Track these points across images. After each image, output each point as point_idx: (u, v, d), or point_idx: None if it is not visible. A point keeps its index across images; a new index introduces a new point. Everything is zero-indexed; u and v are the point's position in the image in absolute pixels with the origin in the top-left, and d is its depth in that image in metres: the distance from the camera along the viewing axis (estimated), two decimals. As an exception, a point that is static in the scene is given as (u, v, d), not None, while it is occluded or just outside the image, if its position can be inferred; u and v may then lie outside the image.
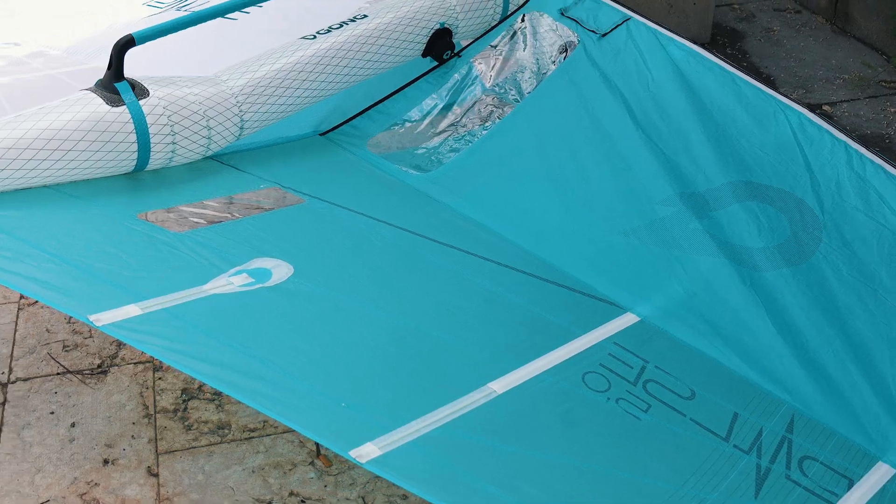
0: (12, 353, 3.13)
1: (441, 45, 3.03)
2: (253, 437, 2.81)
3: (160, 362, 3.06)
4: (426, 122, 3.02)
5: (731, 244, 2.45)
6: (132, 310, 1.86)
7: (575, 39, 3.06)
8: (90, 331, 3.18)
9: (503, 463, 1.79)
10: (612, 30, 3.02)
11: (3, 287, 3.35)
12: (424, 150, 2.92)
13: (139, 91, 2.31)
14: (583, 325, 2.23)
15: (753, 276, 2.37)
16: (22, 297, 3.35)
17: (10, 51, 3.34)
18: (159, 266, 2.07)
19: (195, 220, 2.30)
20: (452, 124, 3.02)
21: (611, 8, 3.11)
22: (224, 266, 2.09)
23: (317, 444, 2.78)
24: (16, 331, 3.22)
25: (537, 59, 3.14)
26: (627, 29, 3.00)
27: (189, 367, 1.72)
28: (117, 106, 2.26)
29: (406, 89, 3.05)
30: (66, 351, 3.13)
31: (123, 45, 2.30)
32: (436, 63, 3.08)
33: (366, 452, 1.66)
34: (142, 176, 2.38)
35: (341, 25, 2.84)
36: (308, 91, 2.71)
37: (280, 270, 2.13)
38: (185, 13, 3.26)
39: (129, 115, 2.27)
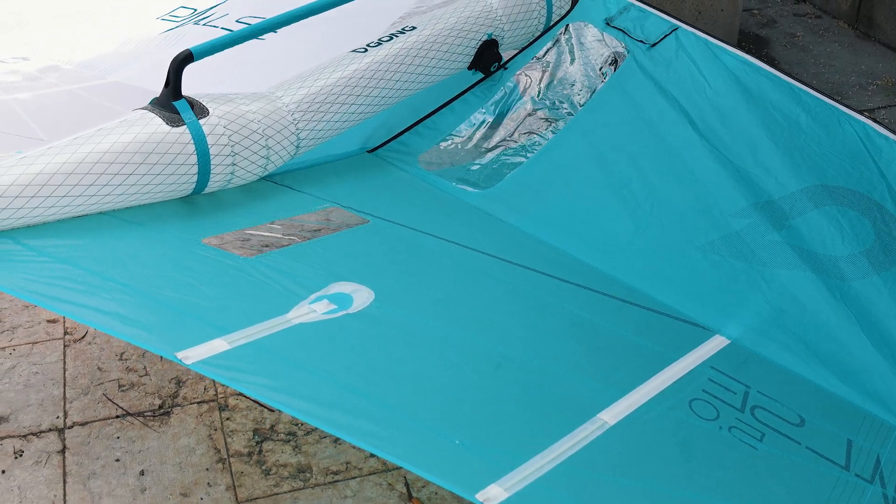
0: (65, 394, 2.95)
1: (489, 57, 2.92)
2: (337, 481, 2.65)
3: (225, 401, 2.90)
4: (476, 137, 2.90)
5: (814, 254, 2.35)
6: (219, 344, 1.72)
7: (622, 50, 2.97)
8: (145, 368, 3.02)
9: (629, 500, 1.67)
10: (661, 40, 2.93)
11: (45, 321, 3.18)
12: (478, 166, 2.79)
13: (198, 110, 2.17)
14: (675, 350, 2.12)
15: (842, 288, 2.28)
16: (67, 332, 3.17)
17: (21, 66, 3.19)
18: (236, 294, 1.94)
19: (263, 243, 2.16)
20: (504, 139, 2.90)
21: (657, 17, 3.02)
22: (303, 292, 1.96)
23: (407, 486, 2.64)
24: (65, 370, 3.04)
25: (586, 71, 3.04)
26: (677, 38, 2.91)
27: (297, 410, 1.58)
28: (177, 126, 2.12)
29: (453, 103, 2.93)
30: (122, 391, 2.96)
31: (182, 62, 2.16)
32: (482, 76, 2.97)
33: (493, 495, 1.53)
34: (198, 199, 2.25)
35: (391, 37, 2.72)
36: (362, 106, 2.59)
37: (361, 295, 2.00)
38: (217, 27, 3.15)
39: (190, 136, 2.13)
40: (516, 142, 2.91)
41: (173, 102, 2.15)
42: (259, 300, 1.90)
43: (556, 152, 2.76)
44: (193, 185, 2.18)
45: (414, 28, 2.77)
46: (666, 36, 2.93)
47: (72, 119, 2.81)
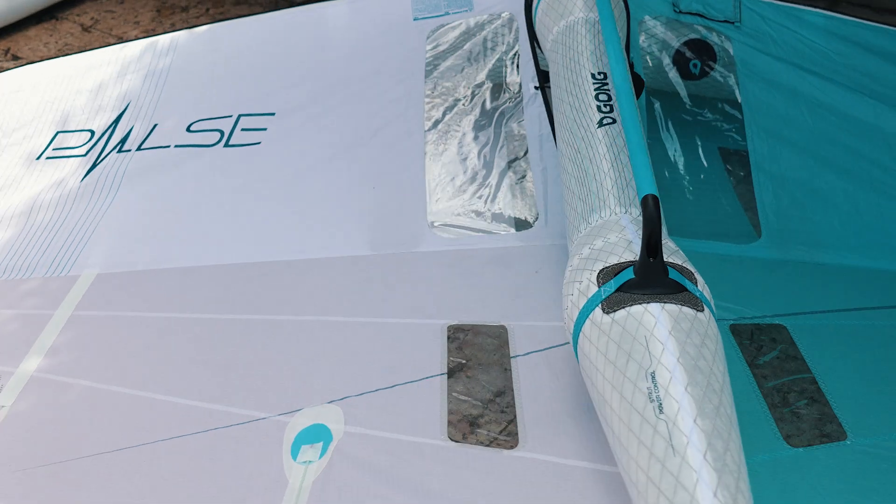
0: None
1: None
2: None
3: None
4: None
5: None
6: None
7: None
8: None
9: None
10: (739, 13, 2.59)
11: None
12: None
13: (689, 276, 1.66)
14: None
15: None
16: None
17: None
18: None
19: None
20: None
21: None
22: None
23: None
24: None
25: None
26: (745, 7, 2.57)
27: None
28: (701, 310, 1.59)
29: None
30: None
31: (656, 210, 1.61)
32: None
33: None
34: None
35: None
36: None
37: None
38: (169, 146, 2.81)
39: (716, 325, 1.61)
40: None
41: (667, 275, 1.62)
42: None
43: (770, 166, 2.43)
44: None
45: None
46: (738, 9, 2.59)
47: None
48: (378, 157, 2.63)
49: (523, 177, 2.59)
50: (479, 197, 2.59)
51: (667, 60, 2.74)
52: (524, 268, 2.30)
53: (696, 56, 2.73)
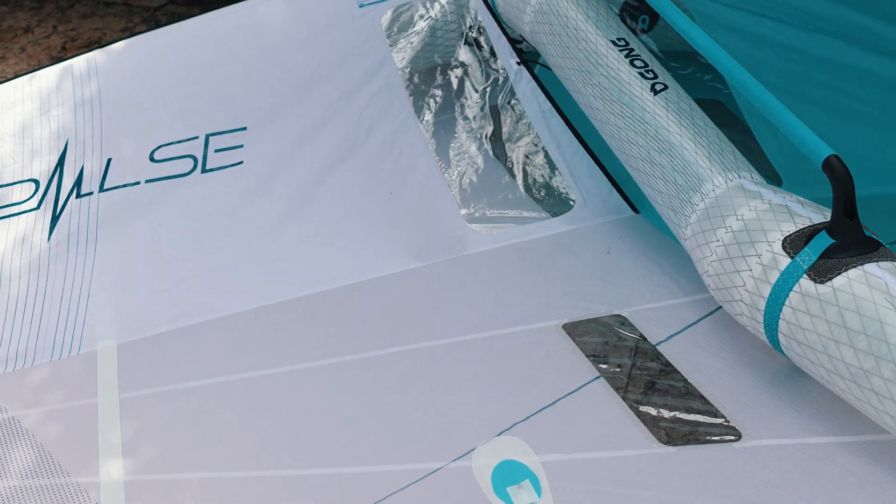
0: None
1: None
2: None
3: None
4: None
5: None
6: None
7: None
8: None
9: None
10: None
11: None
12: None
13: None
14: None
15: None
16: None
17: None
18: None
19: None
20: None
21: None
22: None
23: None
24: None
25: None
26: None
27: None
28: None
29: None
30: None
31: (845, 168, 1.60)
32: None
33: None
34: None
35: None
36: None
37: None
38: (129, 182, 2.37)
39: None
40: None
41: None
42: None
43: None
44: None
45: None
46: None
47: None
48: (381, 159, 2.41)
49: (539, 157, 2.47)
50: (503, 184, 2.45)
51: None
52: (592, 250, 2.19)
53: (644, 10, 2.69)
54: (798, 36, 2.42)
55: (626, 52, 2.24)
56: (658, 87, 2.12)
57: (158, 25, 3.80)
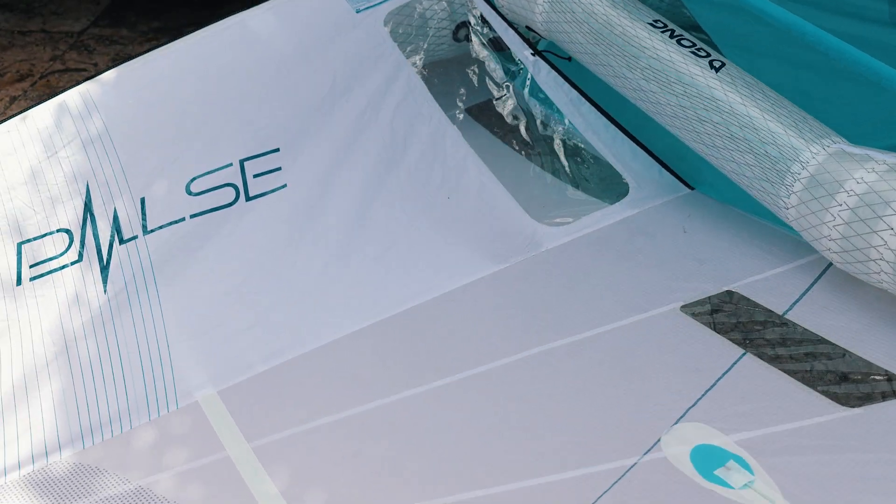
0: None
1: None
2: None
3: None
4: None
5: None
6: None
7: None
8: None
9: None
10: None
11: None
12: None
13: None
14: None
15: None
16: None
17: None
18: None
19: None
20: None
21: None
22: None
23: None
24: None
25: None
26: None
27: None
28: None
29: None
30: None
31: None
32: None
33: None
34: None
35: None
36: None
37: None
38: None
39: None
40: None
41: None
42: None
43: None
44: None
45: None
46: None
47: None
48: (427, 166, 2.34)
49: (580, 146, 2.46)
50: (549, 179, 2.42)
51: None
52: (666, 231, 2.21)
53: None
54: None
55: (667, 33, 2.26)
56: (716, 65, 2.16)
57: (88, 50, 3.56)
